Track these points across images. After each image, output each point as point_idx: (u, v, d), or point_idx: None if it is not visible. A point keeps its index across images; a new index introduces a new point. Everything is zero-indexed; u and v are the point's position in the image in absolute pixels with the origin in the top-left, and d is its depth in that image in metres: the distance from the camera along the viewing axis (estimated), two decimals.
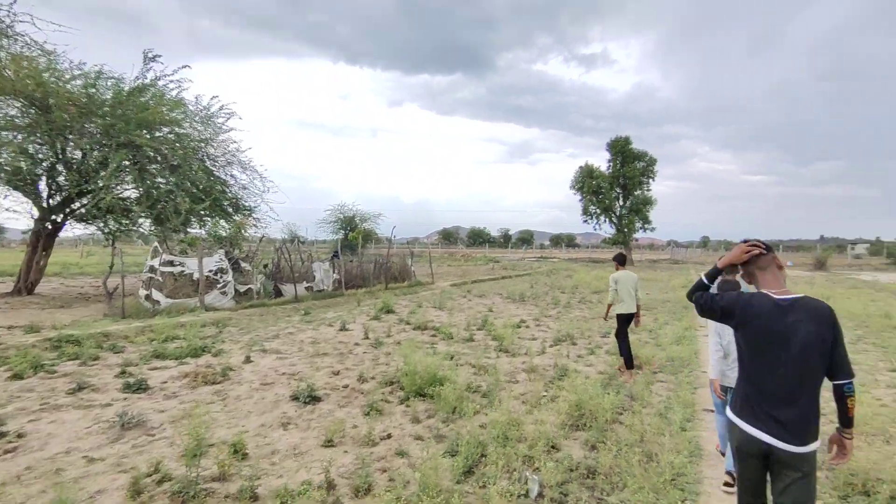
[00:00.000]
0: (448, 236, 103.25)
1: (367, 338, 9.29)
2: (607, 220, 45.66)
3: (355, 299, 15.32)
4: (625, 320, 7.14)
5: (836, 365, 2.30)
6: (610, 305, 7.30)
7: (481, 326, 10.60)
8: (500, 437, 4.46)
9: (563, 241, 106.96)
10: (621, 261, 7.41)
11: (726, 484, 3.79)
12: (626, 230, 44.85)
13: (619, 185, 44.78)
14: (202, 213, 16.33)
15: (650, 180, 45.12)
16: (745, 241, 2.55)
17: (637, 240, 51.88)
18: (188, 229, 16.55)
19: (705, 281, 2.64)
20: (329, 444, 4.48)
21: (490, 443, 4.34)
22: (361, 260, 20.72)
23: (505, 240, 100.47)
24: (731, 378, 3.75)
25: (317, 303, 14.74)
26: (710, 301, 2.56)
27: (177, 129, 15.96)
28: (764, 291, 2.43)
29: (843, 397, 2.30)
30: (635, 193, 44.89)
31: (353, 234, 38.14)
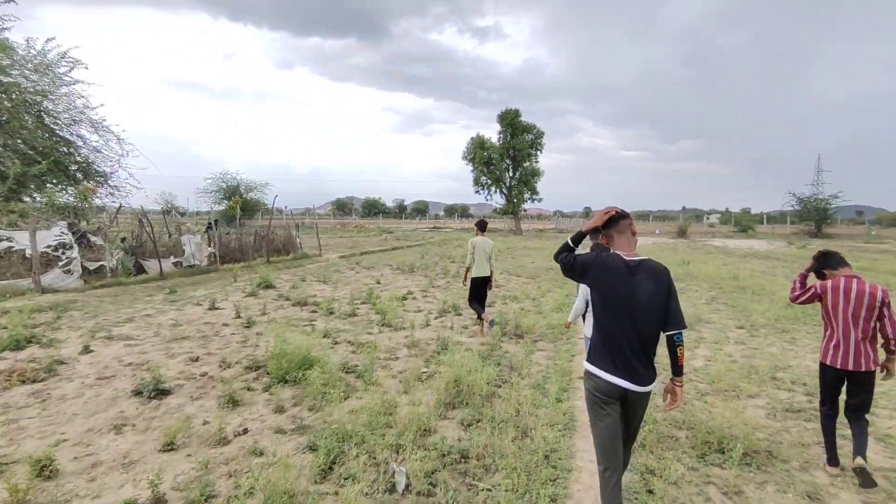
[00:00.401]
0: (342, 207, 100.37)
1: (239, 317, 8.46)
2: (498, 190, 46.80)
3: (231, 275, 14.11)
4: (478, 284, 7.53)
5: (670, 317, 2.62)
6: (468, 269, 7.58)
7: (366, 300, 10.16)
8: (369, 424, 4.11)
9: (458, 211, 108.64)
10: (482, 227, 7.77)
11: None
12: (515, 200, 46.33)
13: (509, 156, 45.91)
14: (40, 177, 14.01)
15: (538, 152, 46.81)
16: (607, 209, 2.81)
17: (525, 210, 53.92)
18: (22, 197, 14.10)
19: (570, 244, 2.86)
20: (169, 447, 3.84)
21: (356, 432, 3.96)
22: (241, 232, 19.19)
23: (400, 210, 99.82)
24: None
25: (185, 280, 13.35)
26: (571, 261, 2.78)
27: (0, 76, 13.38)
28: (617, 252, 2.70)
29: (673, 346, 2.63)
30: (524, 165, 46.36)
31: (230, 203, 35.40)
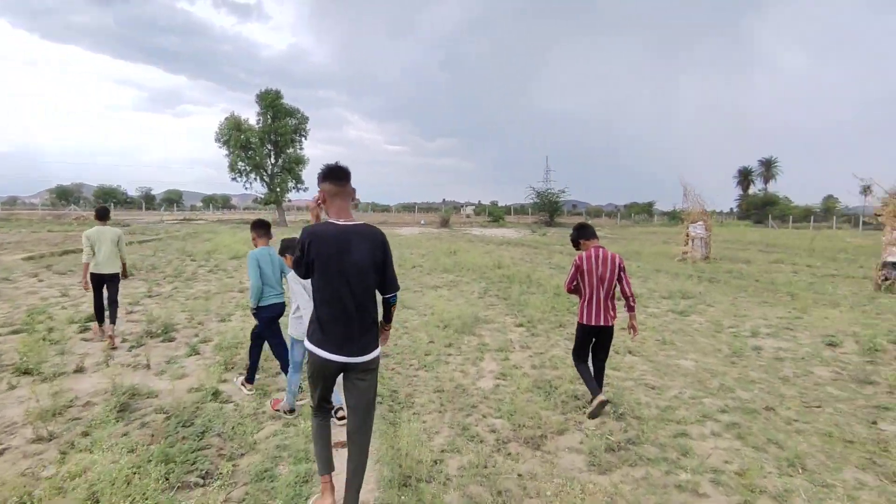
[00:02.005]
0: (65, 195, 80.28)
1: None
2: (258, 178, 42.37)
3: None
4: (99, 281, 6.26)
5: (386, 282, 2.76)
6: (87, 266, 6.18)
7: (25, 325, 6.69)
8: None
9: (218, 201, 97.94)
10: (101, 215, 6.51)
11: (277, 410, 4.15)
12: (278, 190, 42.57)
13: (270, 141, 41.87)
14: None
15: (302, 139, 43.85)
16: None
17: (290, 200, 50.33)
18: None
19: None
20: None
21: None
22: None
23: (147, 200, 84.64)
24: (300, 330, 3.92)
25: None
26: (298, 254, 2.64)
27: None
28: (330, 220, 2.64)
29: (389, 306, 2.85)
30: (287, 151, 42.90)
31: None
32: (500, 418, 4.17)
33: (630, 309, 4.33)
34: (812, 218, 68.48)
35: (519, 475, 3.22)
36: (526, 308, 8.48)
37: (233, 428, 3.72)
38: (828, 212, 75.35)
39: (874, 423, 4.19)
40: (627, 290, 4.27)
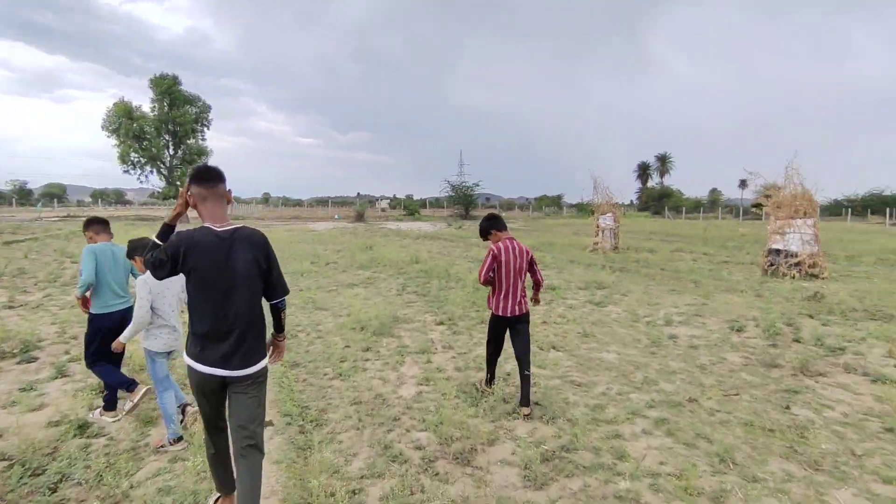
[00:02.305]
0: None
1: None
2: (154, 171, 39.01)
3: None
4: None
5: (272, 287, 2.59)
6: None
7: None
8: None
9: (110, 197, 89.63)
10: None
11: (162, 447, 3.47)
12: (178, 184, 39.42)
13: (167, 131, 38.64)
14: None
15: (204, 128, 40.92)
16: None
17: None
18: None
19: (157, 241, 2.40)
20: None
21: None
22: None
23: (21, 195, 75.23)
24: (160, 342, 3.59)
25: None
26: (158, 255, 2.35)
27: None
28: (206, 225, 2.42)
29: (278, 312, 2.69)
30: (188, 142, 39.86)
31: None
32: (425, 431, 3.80)
33: (537, 287, 4.57)
34: (702, 209, 74.75)
35: (451, 501, 2.87)
36: (445, 304, 8.19)
37: (99, 473, 3.03)
38: (714, 203, 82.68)
39: (787, 407, 4.29)
40: (540, 278, 4.51)
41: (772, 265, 12.23)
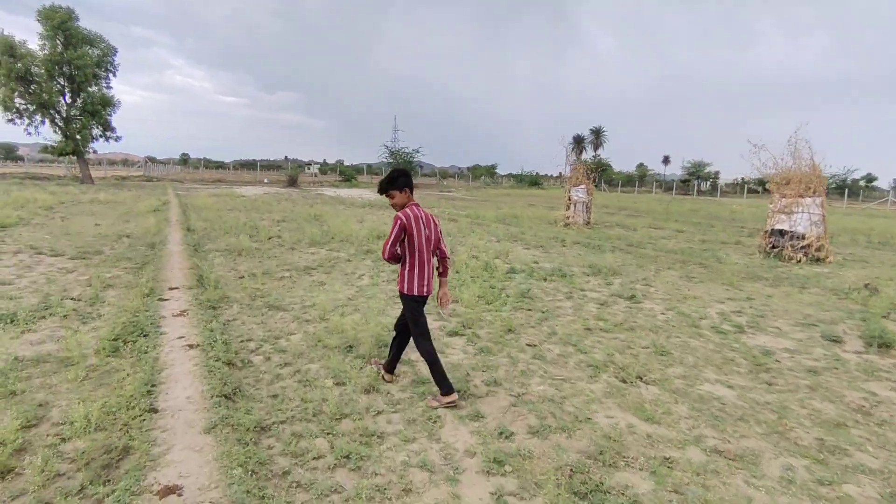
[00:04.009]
0: None
1: None
2: (48, 120, 33.34)
3: None
4: None
5: None
6: None
7: None
8: None
9: None
10: None
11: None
12: (78, 137, 34.03)
13: (62, 74, 32.94)
14: None
15: (109, 75, 35.40)
16: None
17: (95, 151, 41.13)
18: None
19: None
20: None
21: None
22: None
23: None
24: None
25: None
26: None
27: None
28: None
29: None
30: (90, 90, 34.33)
31: None
32: None
33: (443, 273, 3.83)
34: (636, 183, 76.50)
35: None
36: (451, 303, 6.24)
37: None
38: (642, 178, 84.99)
39: None
40: (445, 250, 3.78)
41: (774, 247, 11.21)
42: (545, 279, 7.95)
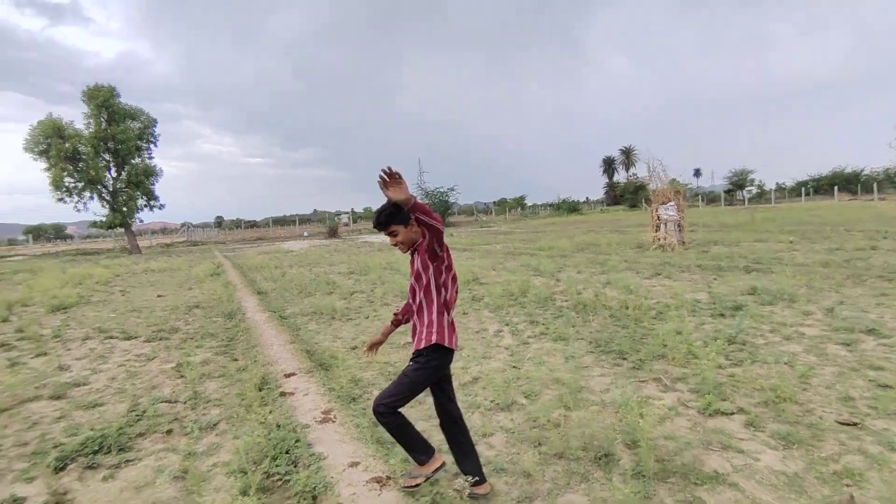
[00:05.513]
0: None
1: None
2: (95, 196, 33.75)
3: None
4: None
5: None
6: None
7: None
8: None
9: (47, 232, 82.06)
10: None
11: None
12: (125, 209, 34.30)
13: (107, 149, 33.51)
14: None
15: (150, 146, 35.97)
16: None
17: (142, 221, 41.56)
18: None
19: None
20: None
21: None
22: None
23: None
24: None
25: None
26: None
27: None
28: None
29: None
30: (133, 162, 34.83)
31: None
32: None
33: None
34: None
35: None
36: (683, 376, 4.69)
37: None
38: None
39: None
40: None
41: None
42: (721, 314, 6.35)
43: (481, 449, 3.35)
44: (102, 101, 32.70)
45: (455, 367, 5.03)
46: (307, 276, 13.00)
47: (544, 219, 56.53)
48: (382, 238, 33.04)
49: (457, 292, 2.79)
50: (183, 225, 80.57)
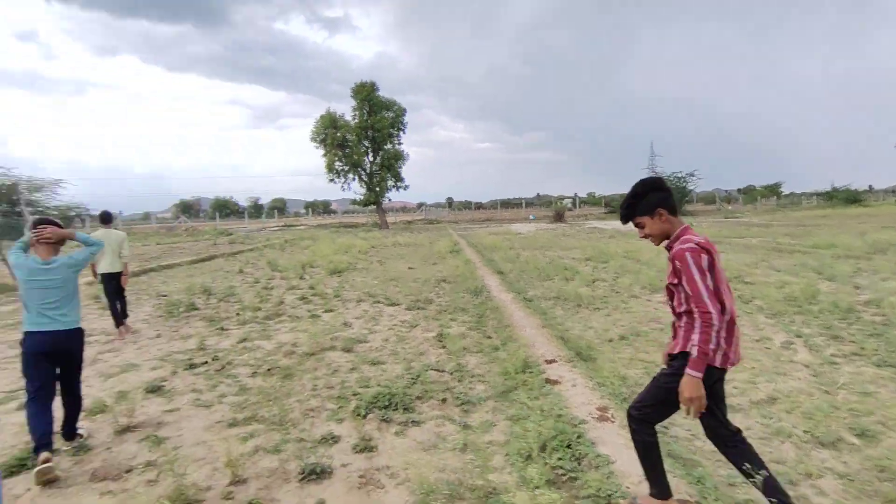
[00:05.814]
0: (187, 209, 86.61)
1: None
2: (356, 177, 39.45)
3: None
4: (109, 280, 6.57)
5: None
6: (94, 265, 6.42)
7: None
8: None
9: (318, 207, 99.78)
10: (105, 219, 6.90)
11: None
12: (377, 189, 39.38)
13: (367, 137, 38.76)
14: None
15: (400, 132, 40.38)
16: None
17: (390, 200, 47.10)
18: None
19: None
20: None
21: None
22: None
23: (256, 209, 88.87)
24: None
25: None
26: None
27: None
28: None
29: None
30: (385, 147, 39.65)
31: None
32: None
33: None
34: None
35: None
36: None
37: None
38: None
39: None
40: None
41: None
42: None
43: (806, 491, 2.70)
44: (366, 94, 37.80)
45: (740, 378, 4.27)
46: (542, 260, 12.95)
47: (810, 210, 47.14)
48: (613, 224, 31.44)
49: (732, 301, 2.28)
50: (420, 205, 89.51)
